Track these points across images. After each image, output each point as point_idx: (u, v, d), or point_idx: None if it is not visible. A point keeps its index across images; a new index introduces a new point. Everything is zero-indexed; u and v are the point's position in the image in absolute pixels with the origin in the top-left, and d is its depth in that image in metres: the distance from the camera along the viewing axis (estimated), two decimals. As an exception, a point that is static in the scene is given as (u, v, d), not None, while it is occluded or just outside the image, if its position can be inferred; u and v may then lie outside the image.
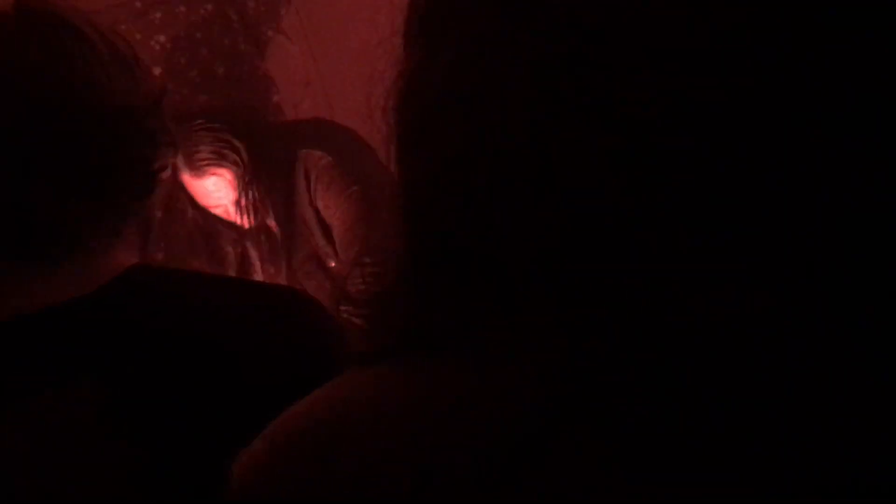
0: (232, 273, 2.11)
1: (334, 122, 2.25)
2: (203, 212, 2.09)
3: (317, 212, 2.05)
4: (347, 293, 1.97)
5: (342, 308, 1.92)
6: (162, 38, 2.44)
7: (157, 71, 2.40)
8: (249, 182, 2.00)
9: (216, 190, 2.02)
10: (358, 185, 2.00)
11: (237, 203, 2.04)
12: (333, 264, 2.08)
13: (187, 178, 2.01)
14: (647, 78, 0.42)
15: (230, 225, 2.10)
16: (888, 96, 0.41)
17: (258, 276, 2.11)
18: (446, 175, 0.46)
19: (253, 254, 2.13)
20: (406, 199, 0.50)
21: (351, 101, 2.80)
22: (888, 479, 0.41)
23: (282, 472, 0.49)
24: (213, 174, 2.00)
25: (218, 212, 2.08)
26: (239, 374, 0.85)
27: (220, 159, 1.98)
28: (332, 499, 0.46)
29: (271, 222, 2.08)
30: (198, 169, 1.98)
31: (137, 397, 0.82)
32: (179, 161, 1.95)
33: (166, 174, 0.94)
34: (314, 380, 0.88)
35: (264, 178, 2.02)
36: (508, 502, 0.43)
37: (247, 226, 2.07)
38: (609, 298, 0.44)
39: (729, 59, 0.42)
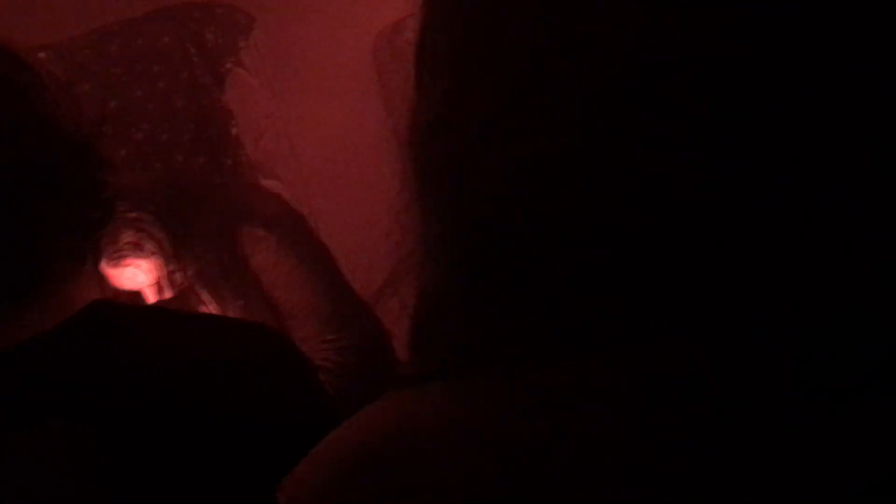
0: None
1: (271, 196, 2.24)
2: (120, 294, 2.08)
3: (260, 288, 2.03)
4: (318, 367, 1.97)
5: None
6: (119, 71, 2.42)
7: (113, 104, 2.38)
8: (173, 271, 1.99)
9: (131, 277, 2.01)
10: (304, 263, 1.99)
11: (155, 287, 2.02)
12: None
13: (103, 266, 2.00)
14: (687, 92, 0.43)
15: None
16: (884, 102, 0.42)
17: None
18: (503, 193, 0.47)
19: None
20: (452, 222, 0.50)
21: (311, 134, 2.80)
22: (888, 479, 0.42)
23: (341, 497, 0.48)
24: (130, 264, 1.99)
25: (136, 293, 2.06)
26: (213, 411, 0.84)
27: (136, 250, 1.97)
28: None
29: (204, 303, 2.07)
30: (113, 259, 1.97)
31: (110, 438, 0.81)
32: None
33: (118, 203, 0.95)
34: (284, 413, 0.88)
35: (192, 260, 2.01)
36: None
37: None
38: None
39: (726, 66, 0.43)
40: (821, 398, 0.43)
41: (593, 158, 0.44)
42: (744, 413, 0.44)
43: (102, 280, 2.03)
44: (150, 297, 2.03)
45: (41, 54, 2.30)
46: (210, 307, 2.06)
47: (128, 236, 1.96)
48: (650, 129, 0.43)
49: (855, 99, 0.43)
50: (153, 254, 1.97)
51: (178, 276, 2.01)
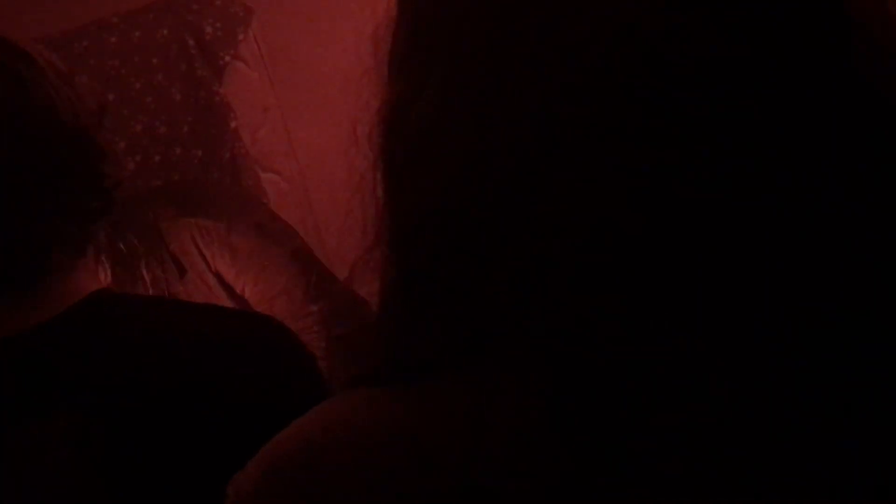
0: None
1: (205, 185, 2.22)
2: None
3: (218, 276, 2.01)
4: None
5: None
6: (117, 63, 2.41)
7: (111, 96, 2.37)
8: (111, 285, 1.99)
9: None
10: (264, 240, 1.97)
11: None
12: None
13: None
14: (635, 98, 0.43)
15: None
16: (884, 102, 0.42)
17: None
18: (436, 200, 0.48)
19: None
20: (395, 225, 0.51)
21: (309, 128, 2.79)
22: (888, 479, 0.42)
23: (278, 494, 0.49)
24: None
25: None
26: (214, 400, 0.84)
27: None
28: None
29: None
30: None
31: (113, 428, 0.81)
32: None
33: (119, 191, 0.95)
34: (289, 403, 0.87)
35: (128, 272, 1.99)
36: None
37: None
38: (588, 331, 0.44)
39: (726, 66, 0.43)
40: (821, 398, 0.43)
41: (594, 158, 0.44)
42: (744, 413, 0.43)
43: None
44: None
45: (40, 45, 2.29)
46: None
47: None
48: (650, 128, 0.43)
49: (855, 99, 0.43)
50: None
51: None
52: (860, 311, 0.43)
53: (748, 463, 0.43)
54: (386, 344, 0.52)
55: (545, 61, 0.45)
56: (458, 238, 0.48)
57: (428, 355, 0.49)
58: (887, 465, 0.42)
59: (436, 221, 0.49)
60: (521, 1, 0.46)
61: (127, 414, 0.82)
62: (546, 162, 0.45)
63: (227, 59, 2.61)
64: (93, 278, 0.92)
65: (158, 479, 0.81)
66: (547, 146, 0.45)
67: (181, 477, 0.81)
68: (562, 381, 0.45)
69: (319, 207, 2.58)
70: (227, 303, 1.97)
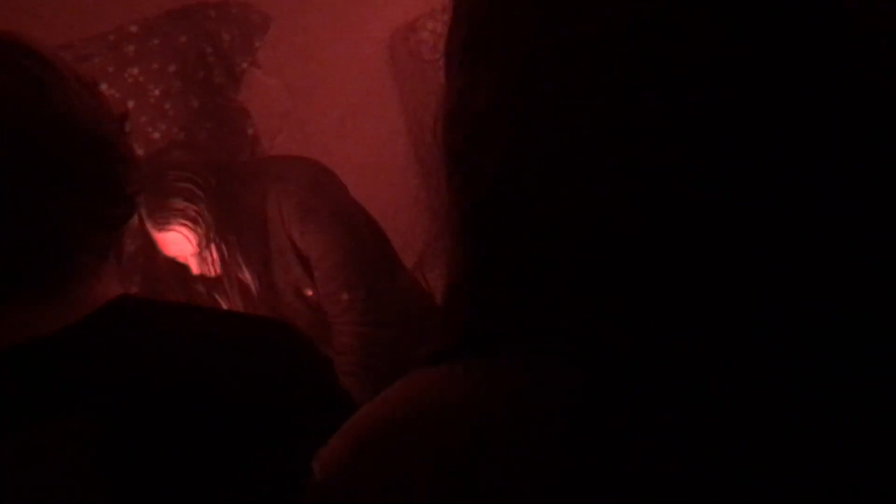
0: None
1: (305, 158, 2.27)
2: (170, 258, 2.11)
3: (292, 242, 2.07)
4: (335, 347, 2.00)
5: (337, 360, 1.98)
6: (135, 71, 2.43)
7: (130, 104, 2.39)
8: (214, 238, 2.03)
9: (176, 243, 2.05)
10: (333, 217, 2.03)
11: (199, 256, 2.06)
12: (311, 293, 2.08)
13: (150, 228, 2.03)
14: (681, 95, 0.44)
15: (196, 275, 2.13)
16: (884, 102, 0.42)
17: None
18: (497, 185, 0.48)
19: (222, 303, 2.13)
20: (460, 210, 0.51)
21: (326, 132, 2.80)
22: (888, 479, 0.42)
23: (363, 470, 0.50)
24: (174, 230, 2.02)
25: (181, 261, 2.10)
26: (214, 401, 0.85)
27: (181, 217, 2.01)
28: (411, 491, 0.48)
29: (244, 275, 2.10)
30: (159, 223, 2.00)
31: (129, 431, 0.81)
32: (143, 212, 1.98)
33: (140, 198, 0.96)
34: (306, 408, 0.88)
35: (235, 230, 2.05)
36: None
37: (212, 276, 2.09)
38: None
39: (726, 66, 0.43)
40: (821, 398, 0.43)
41: (593, 158, 0.44)
42: (744, 413, 0.43)
43: (153, 244, 2.08)
44: (194, 267, 2.07)
45: (63, 52, 2.31)
46: (245, 274, 2.10)
47: (177, 203, 2.00)
48: (650, 128, 0.44)
49: (855, 99, 0.43)
50: (197, 223, 2.01)
51: (220, 247, 2.05)
52: (860, 311, 0.43)
53: (748, 463, 0.43)
54: (458, 322, 0.52)
55: (543, 62, 0.45)
56: (459, 238, 0.48)
57: (441, 348, 0.51)
58: (887, 465, 0.42)
59: (442, 221, 0.49)
60: (520, 3, 0.46)
61: (127, 414, 0.82)
62: (546, 162, 0.45)
63: (245, 66, 2.63)
64: (115, 282, 0.93)
65: (158, 480, 0.81)
66: (547, 146, 0.45)
67: (181, 477, 0.82)
68: (561, 381, 0.45)
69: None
70: (298, 267, 2.04)
